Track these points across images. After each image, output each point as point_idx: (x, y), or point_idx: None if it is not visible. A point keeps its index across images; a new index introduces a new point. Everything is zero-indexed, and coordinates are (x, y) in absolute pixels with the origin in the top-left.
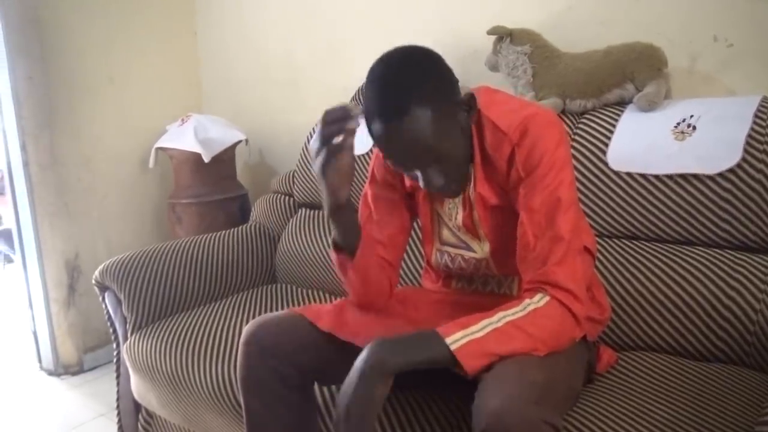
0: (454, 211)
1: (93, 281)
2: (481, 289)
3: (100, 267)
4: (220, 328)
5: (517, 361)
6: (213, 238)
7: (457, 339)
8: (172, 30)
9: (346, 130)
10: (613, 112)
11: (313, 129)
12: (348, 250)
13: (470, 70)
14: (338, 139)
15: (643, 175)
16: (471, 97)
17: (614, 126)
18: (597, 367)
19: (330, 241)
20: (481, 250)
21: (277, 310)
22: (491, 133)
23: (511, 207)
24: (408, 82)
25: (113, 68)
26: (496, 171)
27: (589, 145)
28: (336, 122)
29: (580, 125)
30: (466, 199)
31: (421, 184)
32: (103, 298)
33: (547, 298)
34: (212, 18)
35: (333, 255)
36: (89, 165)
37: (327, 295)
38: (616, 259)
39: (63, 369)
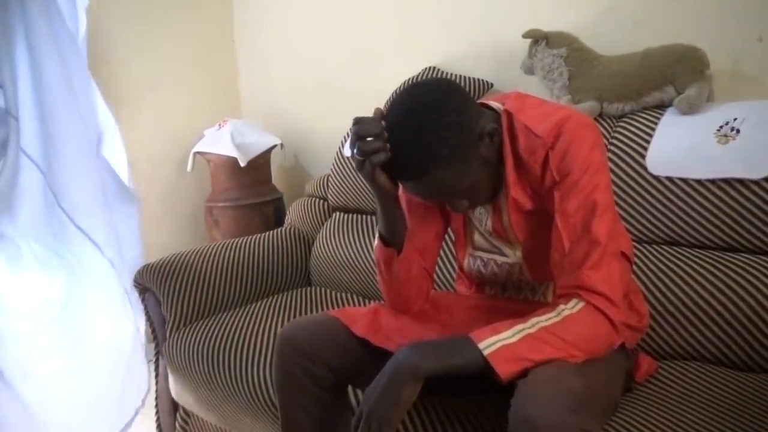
0: (484, 217)
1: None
2: (514, 296)
3: (140, 268)
4: (256, 329)
5: (554, 367)
6: (249, 241)
7: (490, 344)
8: (210, 38)
9: (381, 147)
10: (653, 116)
11: (347, 134)
12: (396, 245)
13: (505, 74)
14: (378, 157)
15: (684, 180)
16: (492, 128)
17: (653, 130)
18: (636, 375)
19: (376, 237)
20: (513, 254)
21: (311, 312)
22: (525, 137)
23: (546, 211)
24: (423, 144)
25: (154, 76)
26: (530, 175)
27: (627, 149)
28: (370, 136)
29: (618, 129)
30: (495, 205)
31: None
32: (144, 299)
33: (582, 303)
34: (249, 26)
35: (379, 250)
36: (131, 169)
37: (361, 299)
38: (655, 265)
39: None
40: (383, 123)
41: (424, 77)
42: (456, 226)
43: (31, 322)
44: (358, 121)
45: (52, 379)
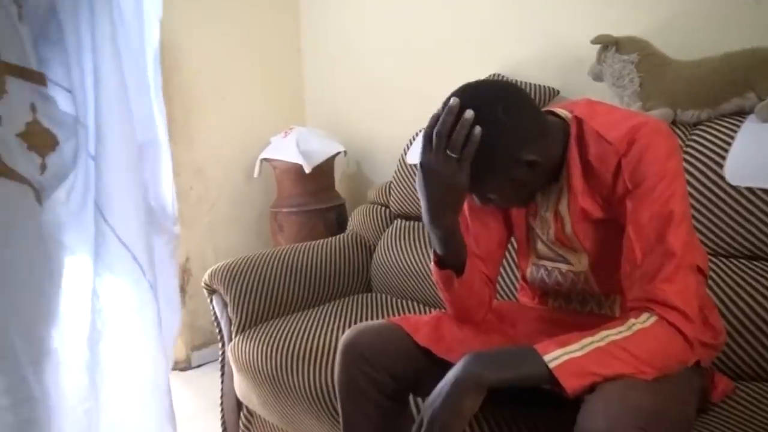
0: (546, 225)
1: (202, 284)
2: (579, 308)
3: (209, 271)
4: (318, 333)
5: (623, 384)
6: (312, 246)
7: (556, 357)
8: (278, 48)
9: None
10: (731, 123)
11: (410, 141)
12: (455, 267)
13: (572, 81)
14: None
15: (766, 191)
16: (533, 159)
17: (732, 138)
18: (711, 395)
19: (432, 257)
20: (578, 262)
21: (372, 318)
22: (596, 144)
23: (616, 221)
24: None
25: (224, 84)
26: (600, 183)
27: (703, 158)
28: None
29: (693, 137)
30: (556, 213)
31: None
32: (211, 300)
33: (655, 317)
34: (315, 36)
35: (436, 273)
36: (201, 174)
37: (421, 306)
38: (733, 280)
39: (173, 365)
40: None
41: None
42: (518, 235)
43: (75, 350)
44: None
45: (86, 413)
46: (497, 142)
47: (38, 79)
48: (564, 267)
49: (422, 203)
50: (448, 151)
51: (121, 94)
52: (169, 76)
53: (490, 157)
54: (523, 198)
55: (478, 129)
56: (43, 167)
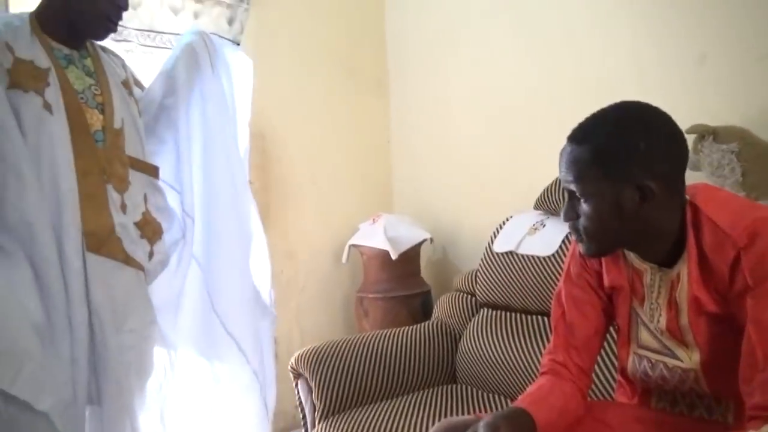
0: (656, 313)
1: (289, 367)
2: (686, 412)
3: (295, 354)
4: (401, 425)
5: None
6: (397, 333)
7: None
8: (368, 140)
9: None
10: None
11: (498, 229)
12: None
13: None
14: None
15: None
16: (645, 185)
17: None
18: None
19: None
20: (688, 359)
21: (457, 412)
22: (710, 233)
23: (733, 317)
24: (600, 132)
25: (317, 174)
26: (715, 275)
27: None
28: None
29: None
30: (672, 301)
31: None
32: (296, 384)
33: None
34: (403, 127)
35: None
36: (291, 259)
37: (508, 401)
38: None
39: None
40: None
41: None
42: (620, 323)
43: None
44: None
45: None
46: (632, 155)
47: (152, 171)
48: (671, 362)
49: None
50: None
51: (231, 192)
52: (269, 167)
53: (615, 164)
54: (604, 233)
55: None
56: (150, 254)
